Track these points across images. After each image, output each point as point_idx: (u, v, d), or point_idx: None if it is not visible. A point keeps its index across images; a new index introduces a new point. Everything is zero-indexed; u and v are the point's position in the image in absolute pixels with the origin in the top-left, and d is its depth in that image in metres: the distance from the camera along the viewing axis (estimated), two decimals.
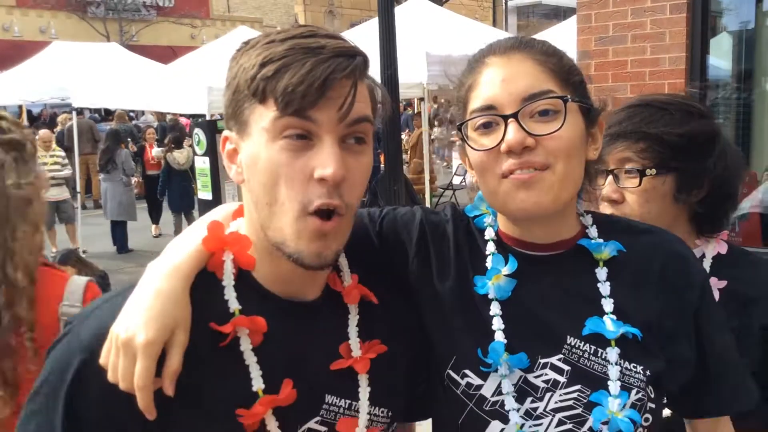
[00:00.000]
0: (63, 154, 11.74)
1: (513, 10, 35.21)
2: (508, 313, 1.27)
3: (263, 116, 1.06)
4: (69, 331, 1.13)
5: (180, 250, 1.17)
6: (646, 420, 1.23)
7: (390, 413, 1.27)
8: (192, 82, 9.40)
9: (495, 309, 1.27)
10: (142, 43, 23.98)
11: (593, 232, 1.32)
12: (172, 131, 12.84)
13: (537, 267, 1.30)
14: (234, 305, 1.15)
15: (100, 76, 12.51)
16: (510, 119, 1.19)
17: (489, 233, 1.35)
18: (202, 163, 7.86)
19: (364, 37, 8.83)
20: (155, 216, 12.07)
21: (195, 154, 8.11)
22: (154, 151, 12.19)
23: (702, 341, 1.30)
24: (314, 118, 1.05)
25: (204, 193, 7.93)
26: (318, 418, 1.18)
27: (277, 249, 1.12)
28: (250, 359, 1.13)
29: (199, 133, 7.94)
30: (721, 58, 6.10)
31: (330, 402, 1.19)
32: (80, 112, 15.34)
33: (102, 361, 1.06)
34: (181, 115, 16.59)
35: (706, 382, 1.31)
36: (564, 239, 1.31)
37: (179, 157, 10.90)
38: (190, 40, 26.30)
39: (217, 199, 7.59)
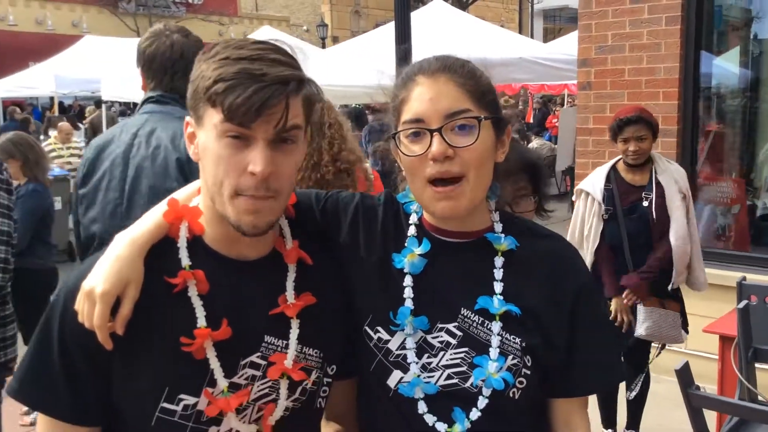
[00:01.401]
0: (82, 146, 12.18)
1: (539, 14, 35.28)
2: (417, 286, 1.54)
3: (213, 117, 1.36)
4: (63, 283, 1.48)
5: (142, 223, 1.49)
6: (521, 383, 1.49)
7: (322, 354, 1.54)
8: None
9: (407, 281, 1.54)
10: None
11: (498, 227, 1.60)
12: None
13: (447, 251, 1.57)
14: (185, 262, 1.45)
15: (128, 70, 12.87)
16: (435, 133, 1.45)
17: (413, 218, 1.63)
18: None
19: (386, 37, 9.10)
20: None
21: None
22: None
23: (573, 334, 1.56)
24: (252, 127, 1.35)
25: None
26: (258, 354, 1.45)
27: (222, 217, 1.42)
28: (196, 303, 1.43)
29: None
30: (728, 69, 6.30)
31: (268, 341, 1.47)
32: (111, 105, 15.74)
33: (75, 306, 1.40)
34: None
35: (568, 368, 1.55)
36: (473, 230, 1.59)
37: None
38: (218, 37, 26.64)
39: None
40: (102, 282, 1.37)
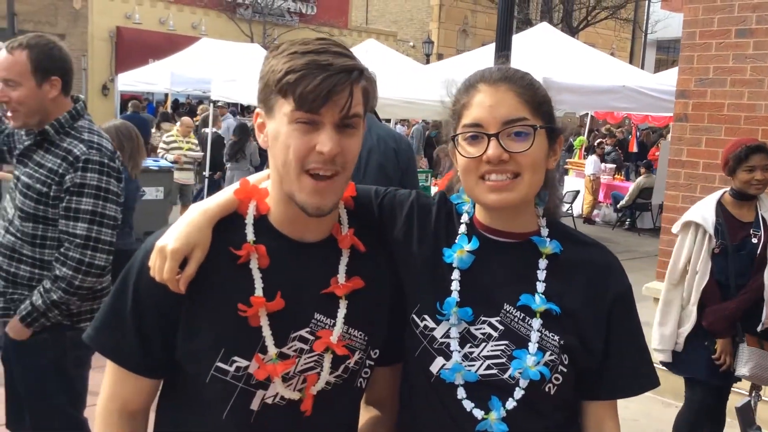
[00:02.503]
0: (196, 141, 12.82)
1: (653, 44, 34.38)
2: (464, 280, 1.64)
3: (284, 106, 1.51)
4: (143, 244, 1.66)
5: (216, 198, 1.66)
6: (557, 379, 1.58)
7: (366, 337, 1.65)
8: None
9: (455, 275, 1.64)
10: None
11: (544, 232, 1.69)
12: None
13: (494, 249, 1.67)
14: (250, 237, 1.60)
15: (240, 73, 13.46)
16: (492, 137, 1.56)
17: (464, 218, 1.73)
18: None
19: (489, 56, 9.15)
20: None
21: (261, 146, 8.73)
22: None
23: (609, 340, 1.63)
24: (321, 112, 1.49)
25: None
26: (308, 329, 1.58)
27: (290, 198, 1.56)
28: (256, 275, 1.57)
29: None
30: None
31: (318, 318, 1.59)
32: (223, 105, 16.40)
33: (149, 262, 1.57)
34: None
35: (603, 373, 1.64)
36: (521, 232, 1.68)
37: None
38: None
39: None
40: (173, 241, 1.54)
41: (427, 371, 1.63)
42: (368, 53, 12.40)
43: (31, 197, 3.01)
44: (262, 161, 12.43)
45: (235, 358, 1.55)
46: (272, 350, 1.56)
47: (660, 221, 14.33)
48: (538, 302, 1.60)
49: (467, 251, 1.66)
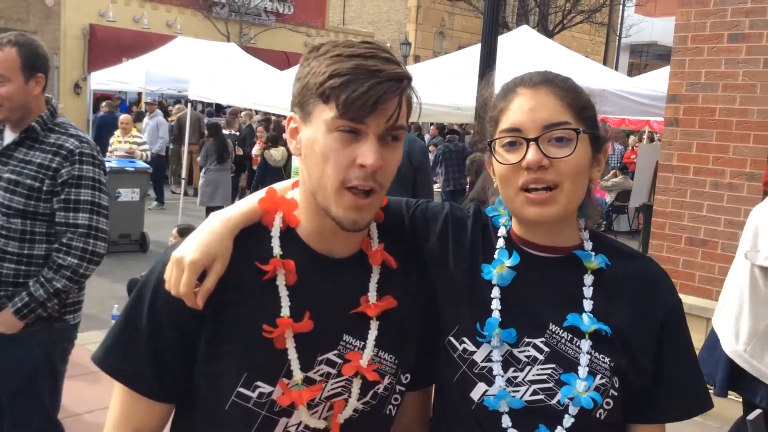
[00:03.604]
0: (142, 139, 12.60)
1: (626, 48, 34.70)
2: (505, 298, 1.53)
3: (325, 112, 1.39)
4: (161, 255, 1.53)
5: (238, 206, 1.54)
6: (608, 404, 1.47)
7: (397, 361, 1.53)
8: None
9: (495, 293, 1.53)
10: (258, 46, 25.03)
11: (588, 245, 1.58)
12: (274, 131, 13.54)
13: (536, 264, 1.56)
14: (276, 250, 1.48)
15: (216, 72, 13.27)
16: (531, 142, 1.45)
17: (501, 231, 1.62)
18: (298, 162, 8.32)
19: (471, 59, 9.11)
20: None
21: (293, 153, 8.60)
22: (254, 150, 12.90)
23: (660, 358, 1.53)
24: (365, 122, 1.37)
25: None
26: (336, 351, 1.47)
27: (324, 210, 1.44)
28: (283, 292, 1.45)
29: None
30: None
31: (347, 340, 1.48)
32: (195, 106, 16.23)
33: (165, 275, 1.44)
34: (285, 118, 17.30)
35: (654, 394, 1.53)
36: (563, 246, 1.57)
37: (275, 154, 11.54)
38: (303, 48, 27.10)
39: None
40: (191, 252, 1.41)
41: (467, 398, 1.51)
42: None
43: (21, 193, 3.05)
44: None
45: (258, 383, 1.44)
46: (298, 374, 1.44)
47: (636, 224, 14.60)
48: (587, 322, 1.49)
49: (508, 267, 1.56)
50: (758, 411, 2.75)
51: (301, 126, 1.46)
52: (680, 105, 5.66)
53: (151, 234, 10.80)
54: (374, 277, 1.55)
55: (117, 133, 12.60)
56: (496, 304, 1.53)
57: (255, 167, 13.02)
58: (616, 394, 1.49)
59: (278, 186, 1.63)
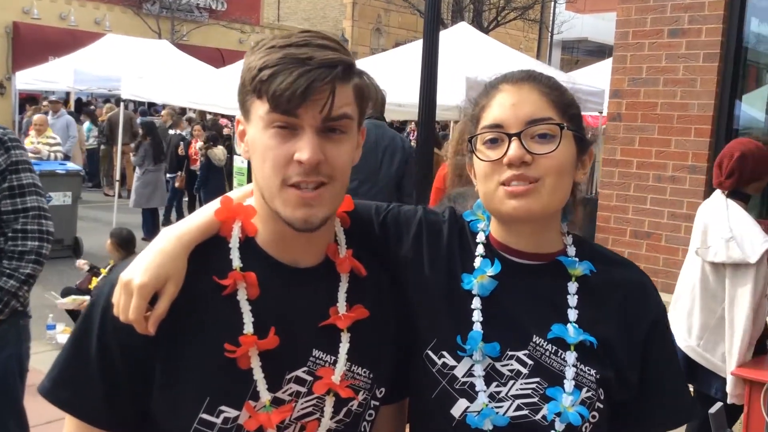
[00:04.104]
0: (57, 139, 12.16)
1: (558, 44, 35.35)
2: (486, 309, 1.45)
3: (259, 108, 1.30)
4: (107, 278, 1.41)
5: (192, 220, 1.42)
6: (593, 417, 1.41)
7: (372, 375, 1.45)
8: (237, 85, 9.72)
9: (476, 303, 1.46)
10: (191, 43, 24.47)
11: (571, 251, 1.51)
12: (211, 130, 13.23)
13: (517, 272, 1.49)
14: (236, 263, 1.37)
15: (149, 70, 12.91)
16: (513, 137, 1.39)
17: (480, 237, 1.55)
18: (241, 163, 8.14)
19: (409, 57, 9.08)
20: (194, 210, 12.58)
21: (235, 153, 8.41)
22: (198, 145, 12.56)
23: (646, 369, 1.47)
24: (298, 114, 1.27)
25: None
26: (305, 368, 1.37)
27: (276, 213, 1.34)
28: (245, 308, 1.35)
29: None
30: (759, 109, 6.22)
31: (316, 356, 1.39)
32: (126, 105, 15.76)
33: (112, 299, 1.32)
34: (222, 116, 16.99)
35: (639, 405, 1.48)
36: (545, 252, 1.50)
37: (219, 153, 11.29)
38: (238, 45, 26.85)
39: None
40: (140, 274, 1.30)
41: (447, 415, 1.43)
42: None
43: None
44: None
45: (223, 407, 1.32)
46: (265, 396, 1.34)
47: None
48: (573, 334, 1.43)
49: (489, 276, 1.48)
50: (719, 404, 2.77)
51: (246, 126, 1.38)
52: (623, 100, 5.73)
53: (84, 239, 10.44)
54: (343, 286, 1.46)
55: (32, 133, 12.08)
56: (477, 316, 1.45)
57: (193, 168, 12.67)
58: (601, 406, 1.43)
59: (235, 193, 1.52)
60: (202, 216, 1.43)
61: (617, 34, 5.74)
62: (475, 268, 1.50)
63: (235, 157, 8.23)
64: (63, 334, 6.67)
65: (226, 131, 14.48)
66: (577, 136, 1.46)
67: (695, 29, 5.32)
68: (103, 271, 6.96)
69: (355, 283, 1.47)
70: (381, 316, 1.48)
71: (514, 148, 1.38)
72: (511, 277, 1.48)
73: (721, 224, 3.70)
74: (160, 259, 1.32)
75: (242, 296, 1.36)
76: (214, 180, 11.48)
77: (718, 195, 3.94)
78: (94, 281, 6.81)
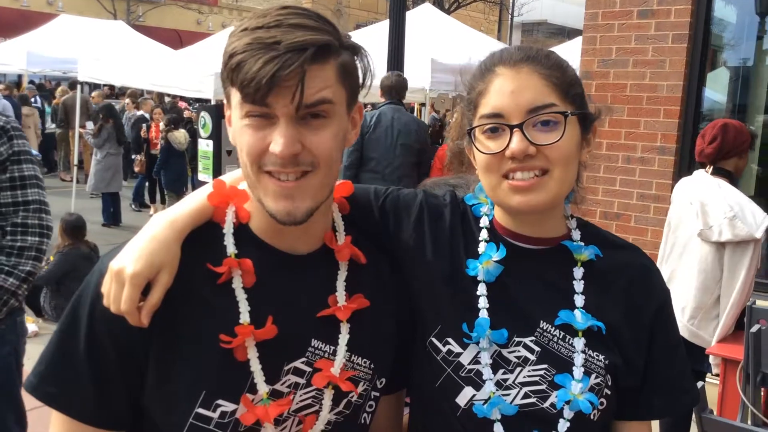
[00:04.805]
0: None
1: (518, 27, 35.46)
2: (491, 295, 1.41)
3: (234, 96, 1.24)
4: (96, 264, 1.33)
5: (184, 205, 1.35)
6: (602, 404, 1.38)
7: (372, 365, 1.40)
8: (199, 67, 9.54)
9: (482, 289, 1.41)
10: (147, 24, 23.96)
11: (576, 235, 1.47)
12: (171, 113, 12.96)
13: (522, 257, 1.45)
14: (231, 249, 1.31)
15: (105, 52, 12.58)
16: (515, 129, 1.33)
17: (484, 221, 1.50)
18: (206, 146, 7.95)
19: (371, 39, 8.99)
20: (155, 195, 12.37)
21: (199, 136, 8.22)
22: (161, 126, 12.32)
23: (651, 353, 1.44)
24: (268, 103, 1.20)
25: (205, 176, 8.03)
26: (303, 359, 1.32)
27: (260, 204, 1.29)
28: (240, 296, 1.29)
29: (205, 117, 8.03)
30: (717, 91, 6.30)
31: (315, 346, 1.33)
32: (82, 87, 15.36)
33: (102, 289, 1.25)
34: (180, 99, 16.65)
35: (645, 390, 1.45)
36: (550, 237, 1.46)
37: (180, 137, 11.06)
38: (196, 26, 26.38)
39: None
40: (132, 262, 1.22)
41: (452, 404, 1.38)
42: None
43: None
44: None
45: (220, 401, 1.26)
46: (263, 388, 1.28)
47: None
48: (581, 319, 1.39)
49: (494, 261, 1.43)
50: (700, 383, 2.78)
51: (229, 112, 1.32)
52: (593, 81, 5.73)
53: None
54: (342, 275, 1.40)
55: None
56: (483, 302, 1.41)
57: (153, 152, 12.40)
58: (609, 393, 1.40)
59: (228, 177, 1.45)
60: (195, 200, 1.36)
61: (587, 15, 5.73)
62: (480, 253, 1.45)
63: (199, 140, 8.04)
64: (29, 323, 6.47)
65: (186, 114, 14.21)
66: (581, 116, 1.41)
67: (664, 10, 5.33)
68: (52, 258, 6.74)
69: (355, 271, 1.41)
70: (381, 304, 1.43)
71: (516, 141, 1.32)
72: (516, 262, 1.44)
73: (719, 203, 3.73)
74: (153, 246, 1.25)
75: (237, 284, 1.30)
76: (175, 164, 11.24)
77: (703, 175, 3.97)
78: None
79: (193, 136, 10.60)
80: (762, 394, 3.44)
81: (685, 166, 5.43)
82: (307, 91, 1.20)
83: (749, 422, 3.35)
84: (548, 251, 1.46)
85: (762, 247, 3.79)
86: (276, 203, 1.25)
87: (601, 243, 1.48)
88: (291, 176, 1.24)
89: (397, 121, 6.54)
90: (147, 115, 13.57)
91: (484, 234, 1.48)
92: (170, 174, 11.32)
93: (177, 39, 22.68)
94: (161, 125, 11.67)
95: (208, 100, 9.88)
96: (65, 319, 1.30)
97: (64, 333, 1.29)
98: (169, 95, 15.40)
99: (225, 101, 1.32)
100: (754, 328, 3.24)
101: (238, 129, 1.25)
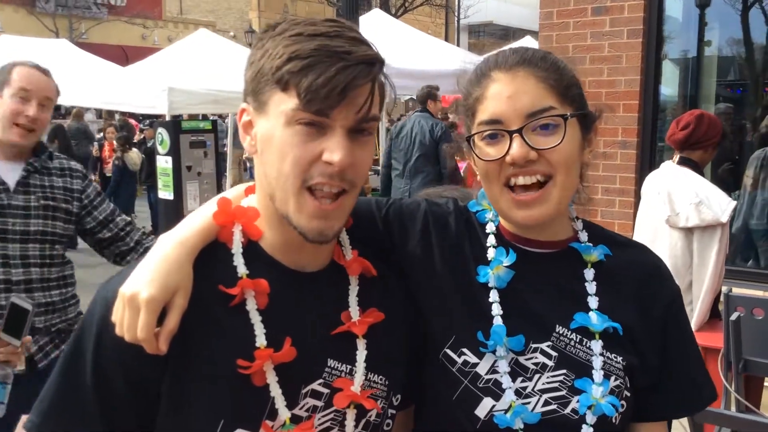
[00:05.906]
0: None
1: (465, 29, 35.82)
2: (504, 301, 1.38)
3: (283, 102, 1.17)
4: (97, 292, 1.25)
5: (189, 224, 1.29)
6: (622, 406, 1.35)
7: (387, 382, 1.36)
8: (152, 82, 9.36)
9: (494, 296, 1.39)
10: (92, 41, 23.50)
11: (584, 236, 1.46)
12: (122, 131, 12.69)
13: (532, 262, 1.42)
14: (242, 270, 1.25)
15: (50, 72, 12.27)
16: (514, 134, 1.31)
17: (490, 227, 1.47)
18: (165, 163, 7.79)
19: None
20: None
21: (157, 153, 8.05)
22: (115, 146, 12.05)
23: (666, 352, 1.42)
24: (331, 115, 1.16)
25: (165, 193, 7.86)
26: (321, 381, 1.27)
27: (284, 218, 1.23)
28: (255, 318, 1.23)
29: (162, 133, 7.87)
30: (668, 85, 6.42)
31: (332, 366, 1.28)
32: None
33: (112, 317, 1.17)
34: (130, 116, 16.35)
35: (661, 389, 1.43)
36: (558, 240, 1.44)
37: (134, 157, 10.82)
38: (141, 41, 25.99)
39: (178, 199, 7.56)
40: (146, 286, 1.16)
41: (471, 416, 1.34)
42: (201, 45, 11.71)
43: (60, 218, 3.01)
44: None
45: (239, 430, 1.20)
46: (284, 413, 1.22)
47: None
48: (597, 321, 1.36)
49: (505, 267, 1.40)
50: None
51: (256, 118, 1.24)
52: None
53: None
54: (353, 290, 1.35)
55: None
56: (497, 309, 1.37)
57: (106, 171, 12.14)
58: (628, 394, 1.38)
59: (230, 194, 1.39)
60: (200, 219, 1.29)
61: (542, 14, 5.78)
62: (489, 259, 1.42)
63: (158, 157, 7.87)
64: None
65: (138, 136, 13.94)
66: (581, 117, 1.39)
67: (617, 6, 5.40)
68: None
69: (364, 286, 1.37)
70: (392, 318, 1.39)
71: (516, 147, 1.30)
72: (525, 266, 1.41)
73: (685, 190, 3.80)
74: (166, 267, 1.19)
75: (252, 306, 1.24)
76: (127, 185, 11.00)
77: (669, 165, 4.03)
78: None
79: (147, 154, 10.39)
80: (742, 380, 3.49)
81: (646, 159, 5.51)
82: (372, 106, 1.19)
83: (733, 409, 3.39)
84: (557, 254, 1.44)
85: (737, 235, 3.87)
86: (310, 222, 1.21)
87: (608, 243, 1.46)
88: (333, 189, 1.20)
89: (417, 124, 7.91)
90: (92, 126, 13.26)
91: (491, 239, 1.45)
92: (124, 195, 11.07)
93: (123, 55, 22.28)
94: (115, 144, 11.41)
95: (161, 116, 9.70)
96: (69, 353, 1.23)
97: (67, 367, 1.22)
98: (117, 112, 15.09)
99: (251, 107, 1.25)
100: (734, 316, 3.28)
101: (281, 137, 1.18)
